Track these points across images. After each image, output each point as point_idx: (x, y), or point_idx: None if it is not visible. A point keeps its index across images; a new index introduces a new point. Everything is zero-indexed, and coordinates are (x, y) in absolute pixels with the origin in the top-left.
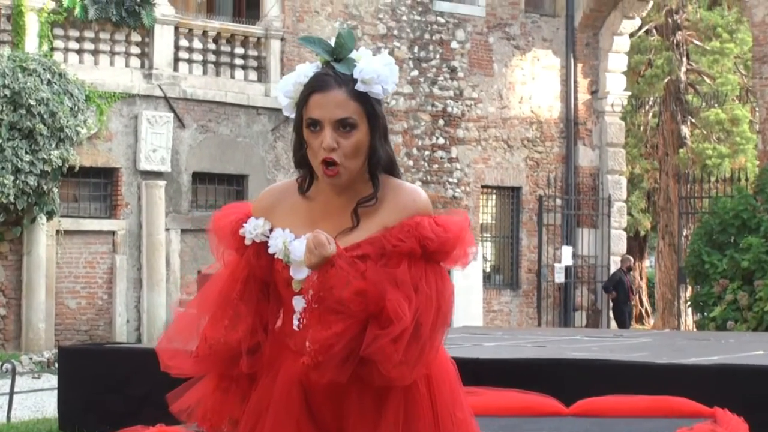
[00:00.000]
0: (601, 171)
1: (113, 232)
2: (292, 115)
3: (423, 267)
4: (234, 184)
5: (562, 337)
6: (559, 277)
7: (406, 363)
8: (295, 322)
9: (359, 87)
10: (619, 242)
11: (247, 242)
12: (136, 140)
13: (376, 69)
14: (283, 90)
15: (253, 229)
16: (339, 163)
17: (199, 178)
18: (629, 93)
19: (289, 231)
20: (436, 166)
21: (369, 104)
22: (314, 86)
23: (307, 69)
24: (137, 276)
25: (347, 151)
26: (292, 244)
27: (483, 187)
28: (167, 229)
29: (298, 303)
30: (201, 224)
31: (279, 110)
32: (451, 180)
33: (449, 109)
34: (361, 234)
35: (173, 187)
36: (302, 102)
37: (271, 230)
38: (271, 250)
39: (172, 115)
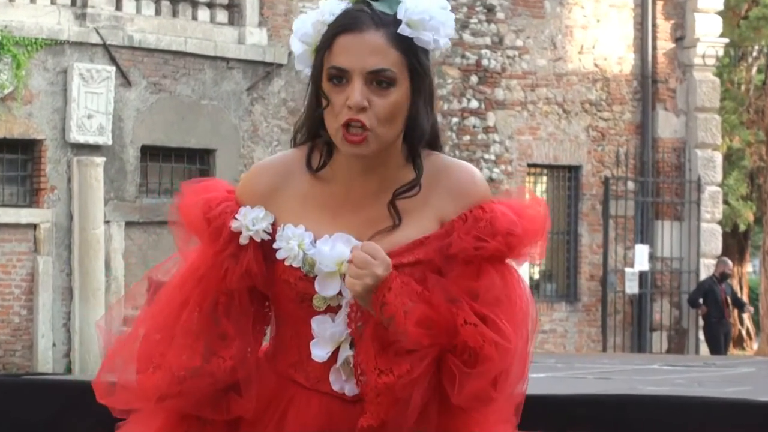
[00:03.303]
0: (687, 145)
1: (34, 226)
2: (308, 70)
3: (502, 271)
4: (196, 162)
5: (635, 366)
6: (632, 287)
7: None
8: (320, 353)
9: (403, 31)
10: (712, 240)
11: (244, 241)
12: (66, 103)
13: (428, 9)
14: (299, 33)
15: (251, 223)
16: (368, 127)
17: (149, 153)
18: (726, 41)
19: (304, 229)
20: (467, 137)
21: (414, 55)
22: (343, 25)
23: (333, 6)
24: (67, 284)
25: (381, 114)
26: (318, 250)
27: (530, 165)
28: (107, 222)
29: (323, 326)
30: (152, 215)
31: (256, 63)
32: (487, 156)
33: (485, 62)
34: (407, 232)
35: (115, 166)
36: (325, 45)
37: (273, 225)
38: (280, 255)
39: (113, 68)
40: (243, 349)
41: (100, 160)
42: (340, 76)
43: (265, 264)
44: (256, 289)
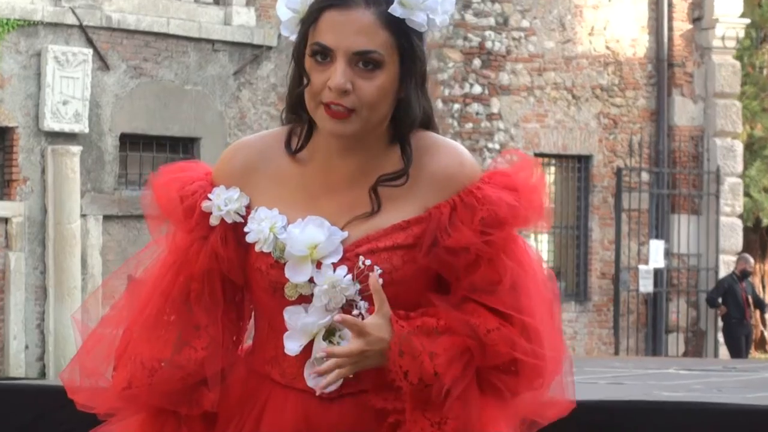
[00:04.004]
0: (706, 133)
1: (6, 220)
2: (293, 37)
3: (513, 252)
4: (179, 151)
5: (650, 371)
6: (646, 285)
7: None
8: (292, 346)
9: (394, 11)
10: (732, 235)
11: (213, 221)
12: (39, 88)
13: None
14: None
15: (224, 203)
16: (354, 109)
17: (129, 142)
18: (747, 21)
19: (277, 211)
20: (469, 125)
21: (405, 37)
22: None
23: None
24: (40, 282)
25: (366, 98)
26: (289, 233)
27: (537, 155)
28: (83, 216)
29: (295, 317)
30: (131, 208)
31: (244, 45)
32: (491, 145)
33: (489, 45)
34: (386, 218)
35: (92, 156)
36: (310, 19)
37: (247, 207)
38: (250, 238)
39: (90, 51)
40: (216, 339)
41: (76, 149)
42: (324, 54)
43: (239, 250)
44: (229, 279)
